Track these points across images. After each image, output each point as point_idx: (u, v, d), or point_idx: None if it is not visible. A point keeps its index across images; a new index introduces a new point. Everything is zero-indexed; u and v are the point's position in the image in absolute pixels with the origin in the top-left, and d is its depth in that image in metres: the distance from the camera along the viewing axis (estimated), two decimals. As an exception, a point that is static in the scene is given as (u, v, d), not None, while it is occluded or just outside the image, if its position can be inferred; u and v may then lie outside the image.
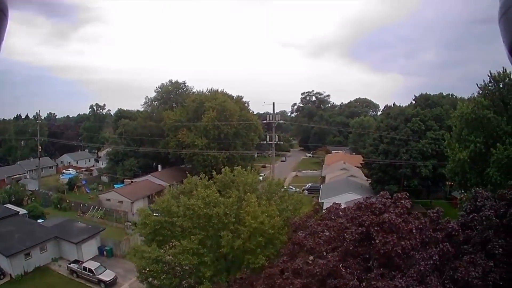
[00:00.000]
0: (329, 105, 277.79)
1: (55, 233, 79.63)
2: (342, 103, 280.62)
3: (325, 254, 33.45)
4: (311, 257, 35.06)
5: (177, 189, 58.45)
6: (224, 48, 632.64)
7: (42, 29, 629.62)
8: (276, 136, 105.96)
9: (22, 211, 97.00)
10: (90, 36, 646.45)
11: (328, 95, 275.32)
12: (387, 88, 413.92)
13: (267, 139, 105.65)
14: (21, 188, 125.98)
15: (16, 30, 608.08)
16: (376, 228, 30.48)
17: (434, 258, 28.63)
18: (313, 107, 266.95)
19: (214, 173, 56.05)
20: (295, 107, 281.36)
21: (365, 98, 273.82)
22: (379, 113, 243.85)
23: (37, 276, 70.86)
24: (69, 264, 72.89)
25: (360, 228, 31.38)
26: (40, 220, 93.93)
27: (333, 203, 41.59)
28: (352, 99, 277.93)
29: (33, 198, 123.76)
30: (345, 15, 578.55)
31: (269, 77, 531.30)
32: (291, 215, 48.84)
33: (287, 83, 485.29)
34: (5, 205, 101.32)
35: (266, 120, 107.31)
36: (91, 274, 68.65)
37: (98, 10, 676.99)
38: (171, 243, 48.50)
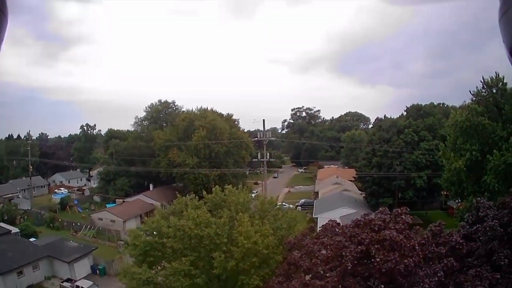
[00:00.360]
0: (320, 120, 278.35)
1: (47, 252, 78.91)
2: (332, 117, 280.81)
3: (322, 273, 32.15)
4: (308, 277, 33.89)
5: (168, 210, 57.88)
6: (212, 67, 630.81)
7: (32, 49, 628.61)
8: (268, 153, 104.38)
9: (14, 229, 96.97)
10: (79, 57, 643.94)
11: (318, 110, 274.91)
12: (377, 100, 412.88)
13: (259, 157, 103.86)
14: (13, 207, 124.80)
15: (6, 50, 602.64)
16: (376, 246, 29.16)
17: (439, 274, 27.42)
18: (304, 123, 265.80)
19: (204, 193, 55.07)
20: (286, 123, 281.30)
21: (356, 112, 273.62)
22: (370, 126, 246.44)
23: None
24: (62, 282, 72.05)
25: (359, 247, 30.06)
26: (32, 239, 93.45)
27: (329, 220, 40.39)
28: (343, 113, 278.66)
29: (26, 217, 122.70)
30: (332, 30, 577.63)
31: (258, 94, 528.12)
32: (285, 233, 48.08)
33: (277, 100, 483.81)
34: None
35: (256, 137, 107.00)
36: None
37: (86, 31, 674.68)
38: (162, 264, 47.81)
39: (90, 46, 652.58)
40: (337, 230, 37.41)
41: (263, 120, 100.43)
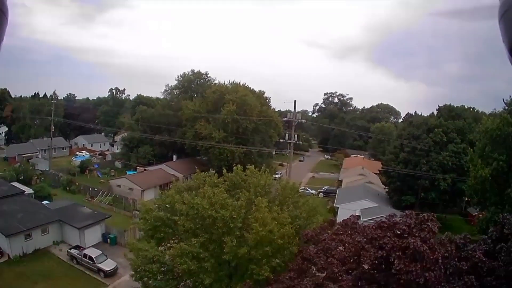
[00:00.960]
0: (351, 108, 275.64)
1: (59, 216, 77.67)
2: (364, 107, 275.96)
3: (337, 274, 30.65)
4: (321, 275, 32.49)
5: (184, 184, 55.89)
6: (250, 43, 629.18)
7: (67, 9, 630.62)
8: (296, 135, 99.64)
9: (28, 190, 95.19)
10: (115, 20, 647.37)
11: (351, 98, 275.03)
12: (408, 96, 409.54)
13: (286, 138, 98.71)
14: (31, 167, 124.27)
15: (39, 8, 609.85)
16: (398, 253, 27.67)
17: (458, 292, 25.94)
18: (335, 109, 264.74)
19: (224, 171, 52.89)
20: (317, 107, 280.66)
21: (387, 104, 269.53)
22: (400, 120, 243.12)
23: (36, 258, 69.03)
24: (70, 249, 70.71)
25: (380, 252, 28.61)
26: (45, 202, 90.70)
27: (350, 216, 39.07)
28: (374, 104, 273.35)
29: (42, 178, 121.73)
30: (371, 19, 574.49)
31: (292, 75, 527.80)
32: (304, 223, 46.45)
33: (311, 83, 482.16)
34: (13, 183, 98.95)
35: (286, 118, 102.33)
36: (91, 262, 66.37)
37: None
38: (171, 242, 46.38)
39: (127, 10, 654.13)
40: (357, 227, 36.18)
41: (294, 101, 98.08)
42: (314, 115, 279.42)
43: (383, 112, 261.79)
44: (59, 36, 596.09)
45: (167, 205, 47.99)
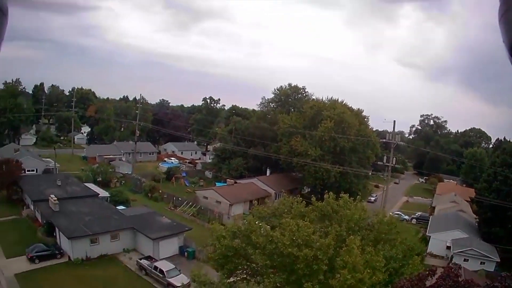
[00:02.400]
0: (445, 131, 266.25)
1: (132, 224, 75.17)
2: (457, 130, 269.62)
3: None
4: None
5: (267, 209, 52.11)
6: (346, 61, 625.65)
7: (160, 16, 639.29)
8: (394, 158, 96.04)
9: (104, 193, 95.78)
10: (211, 30, 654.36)
11: (445, 121, 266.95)
12: (497, 121, 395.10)
13: (384, 160, 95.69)
14: (110, 170, 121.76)
15: (129, 13, 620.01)
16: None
17: None
18: (430, 131, 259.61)
19: (313, 199, 48.86)
20: (413, 128, 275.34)
21: (479, 129, 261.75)
22: (491, 146, 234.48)
23: (100, 263, 66.95)
24: (140, 259, 67.38)
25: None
26: (120, 207, 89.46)
27: (452, 263, 39.23)
28: (467, 128, 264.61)
29: (123, 182, 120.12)
30: (462, 40, 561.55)
31: (385, 93, 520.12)
32: (398, 267, 41.58)
33: (403, 102, 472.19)
34: (88, 184, 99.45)
35: (385, 138, 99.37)
36: (161, 276, 62.48)
37: (221, 6, 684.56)
38: (242, 276, 42.45)
39: (224, 21, 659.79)
40: (460, 280, 31.48)
41: (394, 121, 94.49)
42: (410, 137, 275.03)
43: (475, 136, 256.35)
44: (152, 42, 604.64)
45: (243, 234, 42.82)
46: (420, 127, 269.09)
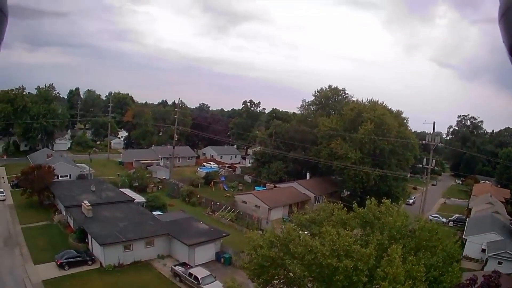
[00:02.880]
0: (481, 131, 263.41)
1: (168, 230, 73.66)
2: (492, 130, 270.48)
3: None
4: None
5: (307, 216, 49.45)
6: (381, 60, 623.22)
7: (198, 20, 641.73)
8: (434, 160, 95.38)
9: (139, 198, 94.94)
10: (250, 33, 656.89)
11: (482, 121, 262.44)
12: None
13: (424, 162, 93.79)
14: (147, 175, 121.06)
15: (167, 18, 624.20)
16: None
17: None
18: (467, 132, 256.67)
19: (355, 205, 46.23)
20: (451, 129, 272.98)
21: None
22: None
23: (133, 270, 66.00)
24: (175, 266, 66.05)
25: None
26: (157, 212, 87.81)
27: (492, 271, 37.52)
28: (502, 128, 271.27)
29: (160, 187, 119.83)
30: (497, 39, 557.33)
31: (422, 94, 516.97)
32: (438, 275, 39.95)
33: (439, 103, 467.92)
34: (124, 189, 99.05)
35: (424, 140, 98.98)
36: (196, 282, 60.91)
37: (259, 9, 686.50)
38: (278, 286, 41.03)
39: (263, 23, 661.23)
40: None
41: (434, 122, 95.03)
42: (448, 138, 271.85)
43: (510, 136, 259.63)
44: (191, 47, 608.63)
45: (281, 243, 41.33)
46: (457, 128, 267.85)
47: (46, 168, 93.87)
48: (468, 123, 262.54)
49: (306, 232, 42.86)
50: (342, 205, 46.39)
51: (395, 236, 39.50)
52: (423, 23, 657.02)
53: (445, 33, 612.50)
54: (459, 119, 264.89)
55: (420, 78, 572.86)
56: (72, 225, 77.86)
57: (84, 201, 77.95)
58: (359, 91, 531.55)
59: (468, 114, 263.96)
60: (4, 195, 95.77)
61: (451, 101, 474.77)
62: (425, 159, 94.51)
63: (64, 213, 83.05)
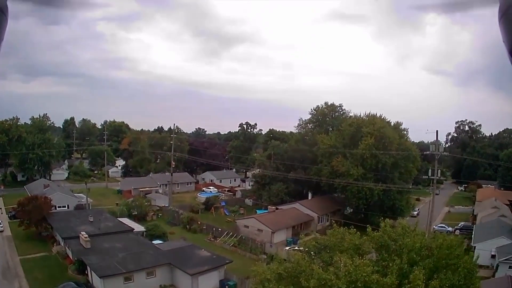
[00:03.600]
0: (480, 135, 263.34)
1: (169, 259, 71.38)
2: (491, 133, 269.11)
3: None
4: None
5: (316, 243, 47.77)
6: (375, 72, 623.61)
7: (189, 45, 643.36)
8: (439, 170, 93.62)
9: (139, 228, 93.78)
10: (241, 55, 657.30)
11: (480, 125, 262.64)
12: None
13: (429, 173, 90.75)
14: (146, 203, 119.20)
15: (158, 44, 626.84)
16: None
17: None
18: (466, 137, 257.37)
19: (369, 229, 42.47)
20: (449, 136, 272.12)
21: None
22: None
23: None
24: None
25: None
26: (157, 241, 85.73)
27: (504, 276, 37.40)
28: (501, 130, 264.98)
29: (160, 215, 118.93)
30: (488, 40, 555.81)
31: (417, 104, 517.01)
32: None
33: (437, 112, 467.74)
34: (122, 219, 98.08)
35: (424, 150, 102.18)
36: None
37: (250, 30, 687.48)
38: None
39: (254, 45, 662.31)
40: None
41: (436, 131, 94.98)
42: (447, 145, 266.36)
43: (509, 137, 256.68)
44: (184, 72, 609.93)
45: (291, 275, 38.72)
46: (455, 134, 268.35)
47: (42, 199, 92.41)
48: (467, 128, 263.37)
49: (316, 261, 40.61)
50: (355, 230, 43.71)
51: (415, 258, 36.72)
52: (414, 31, 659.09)
53: (437, 40, 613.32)
54: (457, 125, 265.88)
55: (414, 87, 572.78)
56: (71, 256, 75.69)
57: (82, 232, 76.63)
58: (355, 105, 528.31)
59: (466, 119, 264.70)
60: (1, 226, 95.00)
61: (448, 108, 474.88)
62: (430, 170, 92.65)
63: (62, 244, 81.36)
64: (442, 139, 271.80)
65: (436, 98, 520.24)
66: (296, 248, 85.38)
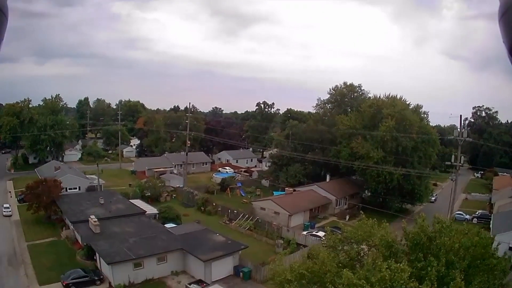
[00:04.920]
0: (497, 122, 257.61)
1: (182, 244, 69.24)
2: (507, 120, 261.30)
3: None
4: None
5: (342, 237, 41.61)
6: (393, 55, 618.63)
7: (207, 25, 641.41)
8: (453, 155, 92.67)
9: (151, 210, 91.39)
10: (261, 35, 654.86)
11: (496, 112, 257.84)
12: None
13: (452, 159, 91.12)
14: (160, 184, 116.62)
15: (176, 24, 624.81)
16: None
17: None
18: (483, 123, 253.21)
19: (404, 223, 39.02)
20: (466, 121, 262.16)
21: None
22: None
23: None
24: (190, 284, 61.55)
25: None
26: (170, 225, 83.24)
27: None
28: None
29: (174, 196, 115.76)
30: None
31: (434, 88, 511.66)
32: None
33: (451, 95, 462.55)
34: (135, 200, 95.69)
35: (446, 135, 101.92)
36: None
37: (267, 10, 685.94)
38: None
39: (272, 25, 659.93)
40: None
41: (460, 115, 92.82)
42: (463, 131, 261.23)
43: None
44: (201, 51, 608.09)
45: (313, 274, 35.30)
46: (472, 120, 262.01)
47: (52, 182, 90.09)
48: (483, 114, 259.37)
49: (341, 255, 37.42)
50: (387, 223, 40.21)
51: (453, 260, 33.18)
52: (431, 15, 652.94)
53: (453, 24, 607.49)
54: (474, 110, 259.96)
55: (431, 71, 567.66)
56: (80, 241, 73.39)
57: (91, 216, 74.97)
58: (372, 87, 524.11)
59: (483, 105, 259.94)
60: (10, 211, 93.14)
61: (463, 93, 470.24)
62: (453, 156, 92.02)
63: (72, 228, 78.79)
64: (458, 124, 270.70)
65: (452, 82, 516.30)
66: (314, 232, 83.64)
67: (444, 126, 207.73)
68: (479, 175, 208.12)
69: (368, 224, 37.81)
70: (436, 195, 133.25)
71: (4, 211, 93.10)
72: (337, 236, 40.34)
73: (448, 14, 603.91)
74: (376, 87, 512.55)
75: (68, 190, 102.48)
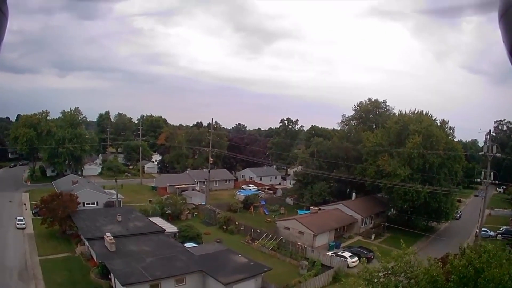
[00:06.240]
0: None
1: (202, 265, 65.71)
2: None
3: None
4: None
5: (379, 265, 39.20)
6: (414, 70, 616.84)
7: (230, 40, 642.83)
8: (492, 172, 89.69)
9: (171, 228, 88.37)
10: (284, 51, 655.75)
11: None
12: None
13: (482, 176, 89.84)
14: (181, 201, 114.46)
15: (199, 39, 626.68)
16: None
17: None
18: (504, 137, 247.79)
19: (451, 256, 37.26)
20: (488, 136, 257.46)
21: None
22: None
23: None
24: None
25: None
26: (190, 244, 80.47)
27: None
28: None
29: (195, 214, 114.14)
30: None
31: (455, 103, 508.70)
32: None
33: (474, 110, 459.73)
34: (154, 218, 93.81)
35: (482, 152, 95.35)
36: None
37: (291, 25, 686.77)
38: None
39: (296, 41, 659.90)
40: None
41: (489, 130, 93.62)
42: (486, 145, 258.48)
43: None
44: (224, 67, 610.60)
45: None
46: (494, 134, 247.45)
47: (68, 196, 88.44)
48: (505, 128, 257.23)
49: None
50: (438, 260, 37.41)
51: None
52: (451, 28, 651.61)
53: (473, 38, 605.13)
54: (496, 124, 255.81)
55: (451, 85, 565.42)
56: (95, 258, 70.77)
57: (107, 233, 72.60)
58: (393, 102, 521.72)
59: (504, 119, 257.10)
60: (24, 224, 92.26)
61: (485, 107, 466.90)
62: (482, 172, 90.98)
63: (87, 244, 76.10)
64: (482, 138, 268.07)
65: (473, 96, 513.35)
66: (339, 253, 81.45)
67: (466, 141, 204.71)
68: (501, 190, 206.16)
69: (409, 252, 34.30)
70: (460, 211, 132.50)
71: (18, 224, 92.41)
72: (372, 267, 37.14)
73: (468, 27, 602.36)
74: (397, 101, 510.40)
75: (85, 205, 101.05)
